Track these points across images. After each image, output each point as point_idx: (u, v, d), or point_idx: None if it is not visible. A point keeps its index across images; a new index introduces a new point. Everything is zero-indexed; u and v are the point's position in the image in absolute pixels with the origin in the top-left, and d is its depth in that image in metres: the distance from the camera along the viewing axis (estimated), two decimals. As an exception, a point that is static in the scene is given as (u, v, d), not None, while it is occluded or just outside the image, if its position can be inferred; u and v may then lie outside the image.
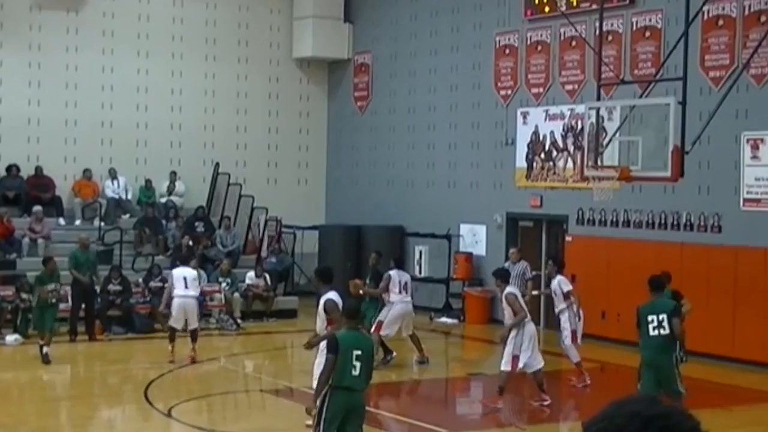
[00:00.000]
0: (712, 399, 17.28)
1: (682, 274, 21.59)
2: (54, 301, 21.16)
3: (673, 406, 2.72)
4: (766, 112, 21.02)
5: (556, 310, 19.54)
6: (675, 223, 22.75)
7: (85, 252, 24.26)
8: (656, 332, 14.53)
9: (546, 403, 17.19)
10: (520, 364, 16.92)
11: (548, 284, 20.86)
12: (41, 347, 20.36)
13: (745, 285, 18.98)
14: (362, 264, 29.50)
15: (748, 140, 21.21)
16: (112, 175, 29.46)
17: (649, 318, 14.61)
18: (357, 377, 11.57)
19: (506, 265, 24.29)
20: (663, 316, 14.52)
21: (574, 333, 19.06)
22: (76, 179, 29.35)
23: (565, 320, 19.17)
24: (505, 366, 16.88)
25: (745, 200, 21.31)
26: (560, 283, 19.27)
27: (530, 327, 17.11)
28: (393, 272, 20.98)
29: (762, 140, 20.99)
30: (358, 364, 11.55)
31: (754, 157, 21.12)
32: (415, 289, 27.98)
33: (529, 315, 17.25)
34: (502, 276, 17.82)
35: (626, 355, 17.98)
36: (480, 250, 27.45)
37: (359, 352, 11.60)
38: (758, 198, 21.09)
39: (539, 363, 17.15)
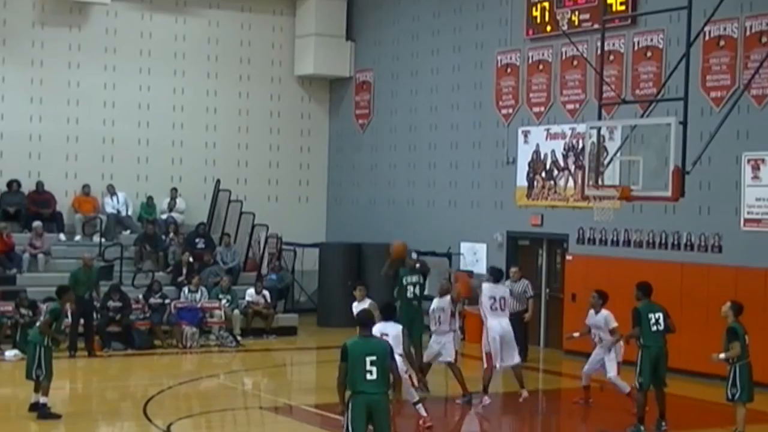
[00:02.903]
0: (715, 420, 17.23)
1: (682, 294, 21.62)
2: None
3: None
4: (767, 133, 21.02)
5: (597, 344, 18.59)
6: (675, 243, 22.75)
7: (87, 272, 24.18)
8: (655, 328, 16.59)
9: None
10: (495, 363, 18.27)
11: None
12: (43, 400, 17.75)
13: (746, 306, 18.88)
14: (363, 282, 29.44)
15: (748, 161, 21.22)
16: (111, 191, 29.47)
17: (650, 316, 16.63)
18: (374, 381, 11.91)
19: (506, 283, 24.32)
20: (659, 315, 16.70)
21: (618, 365, 18.40)
22: (77, 195, 29.37)
23: (611, 355, 18.36)
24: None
25: (746, 221, 21.31)
26: (607, 319, 18.39)
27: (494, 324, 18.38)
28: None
29: (763, 161, 21.00)
30: (373, 369, 11.91)
31: (755, 177, 21.13)
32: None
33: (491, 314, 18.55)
34: (494, 274, 18.74)
35: (626, 374, 17.92)
36: (480, 268, 27.38)
37: (374, 357, 11.93)
38: (759, 218, 21.09)
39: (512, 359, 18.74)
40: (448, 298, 18.99)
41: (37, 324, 18.05)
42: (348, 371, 11.97)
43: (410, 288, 20.28)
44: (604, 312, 18.43)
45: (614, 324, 18.26)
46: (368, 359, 11.91)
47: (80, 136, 29.66)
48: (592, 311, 18.65)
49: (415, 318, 19.88)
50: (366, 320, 12.63)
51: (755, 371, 16.41)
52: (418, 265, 20.63)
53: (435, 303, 18.93)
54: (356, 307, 18.58)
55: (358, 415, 11.95)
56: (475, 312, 25.72)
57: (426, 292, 20.87)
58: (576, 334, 19.38)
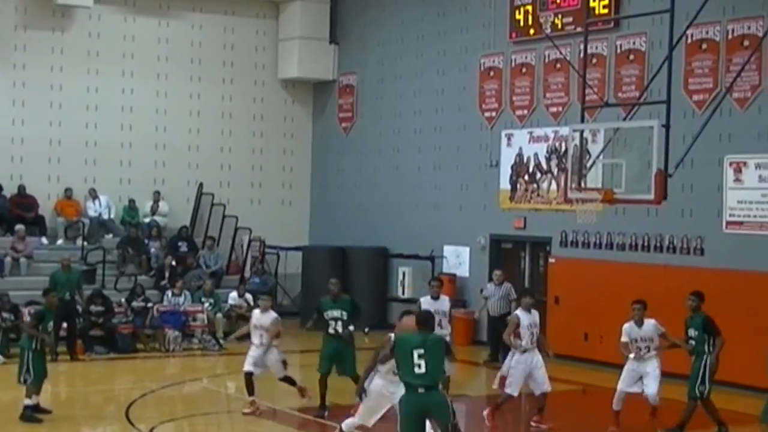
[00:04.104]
0: (699, 421, 17.24)
1: (665, 297, 21.61)
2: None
3: None
4: (749, 136, 21.09)
5: (642, 355, 16.93)
6: (658, 245, 22.80)
7: (66, 272, 24.20)
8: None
9: None
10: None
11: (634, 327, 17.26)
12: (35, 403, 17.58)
13: (728, 308, 18.95)
14: (345, 285, 29.45)
15: (731, 163, 21.27)
16: (93, 194, 29.41)
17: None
18: (423, 374, 11.79)
19: (488, 286, 24.36)
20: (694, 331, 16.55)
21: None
22: (59, 198, 29.31)
23: (654, 366, 16.86)
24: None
25: (728, 223, 21.36)
26: (656, 326, 16.96)
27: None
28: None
29: (745, 164, 21.06)
30: (422, 362, 11.81)
31: (737, 180, 21.18)
32: (398, 311, 27.98)
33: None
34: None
35: (609, 377, 17.93)
36: (463, 271, 27.46)
37: (421, 350, 11.84)
38: (741, 221, 21.15)
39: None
40: (446, 299, 18.63)
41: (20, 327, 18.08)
42: (398, 365, 11.95)
43: (332, 324, 18.02)
44: (650, 321, 16.97)
45: (663, 329, 17.01)
46: (416, 352, 11.85)
47: (63, 140, 29.59)
48: (631, 323, 17.03)
49: (343, 353, 18.00)
50: (425, 320, 12.49)
51: (737, 373, 16.54)
52: (346, 297, 18.51)
53: (429, 305, 18.03)
54: (258, 318, 18.25)
55: (411, 412, 11.90)
56: (461, 315, 25.80)
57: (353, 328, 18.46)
58: (632, 355, 17.07)
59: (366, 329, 28.22)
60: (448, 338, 17.58)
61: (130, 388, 20.64)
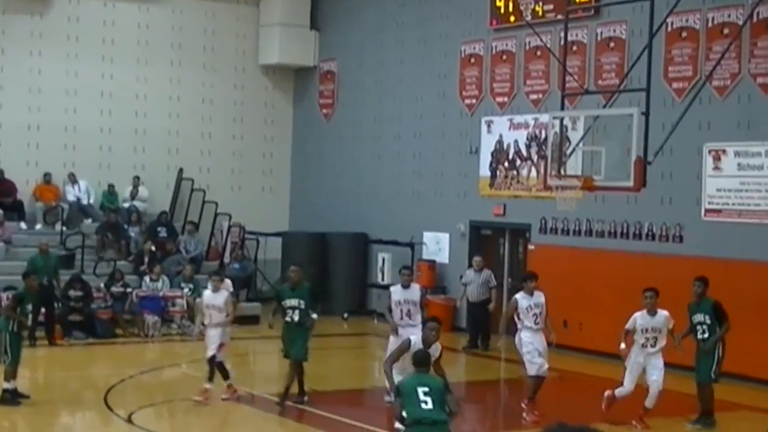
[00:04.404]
0: (679, 409, 17.33)
1: (643, 284, 21.68)
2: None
3: (585, 426, 2.80)
4: (728, 124, 21.17)
5: (647, 347, 16.50)
6: (637, 233, 22.87)
7: (44, 257, 24.16)
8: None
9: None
10: None
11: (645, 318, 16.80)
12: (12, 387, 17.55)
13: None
14: (325, 271, 29.52)
15: (710, 151, 21.35)
16: (72, 179, 29.32)
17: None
18: (431, 410, 11.63)
19: (468, 272, 24.41)
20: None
21: None
22: (38, 183, 29.22)
23: (660, 360, 16.53)
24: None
25: (707, 211, 21.44)
26: (668, 319, 16.56)
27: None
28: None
29: (724, 151, 21.13)
30: (428, 399, 11.67)
31: (716, 168, 21.26)
32: (378, 297, 28.10)
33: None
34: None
35: (588, 364, 18.02)
36: (443, 258, 27.49)
37: (426, 389, 11.72)
38: (719, 209, 21.23)
39: None
40: (416, 288, 18.28)
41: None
42: (404, 406, 11.76)
43: (289, 312, 17.70)
44: (663, 312, 16.52)
45: (673, 323, 16.57)
46: (421, 390, 11.71)
47: (42, 125, 29.48)
48: (643, 313, 16.56)
49: (296, 338, 17.68)
50: (422, 360, 12.47)
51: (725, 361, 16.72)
52: (306, 285, 18.09)
53: (400, 294, 18.01)
54: (210, 298, 18.18)
55: None
56: (440, 302, 25.86)
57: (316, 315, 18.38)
58: (623, 346, 16.71)
59: (345, 315, 28.33)
60: (422, 327, 17.53)
61: (108, 373, 20.61)
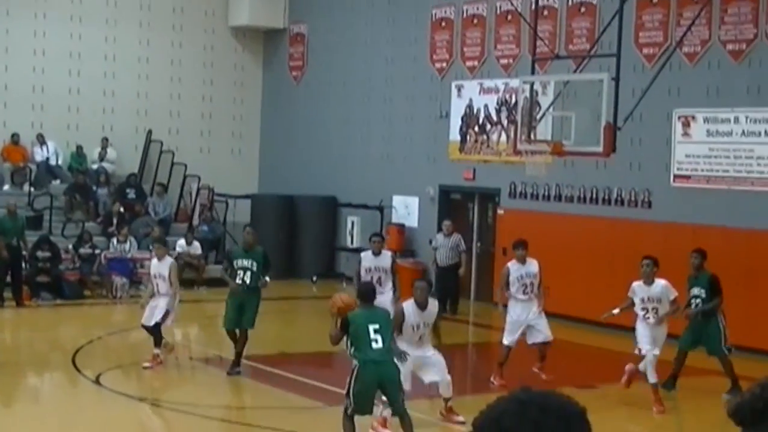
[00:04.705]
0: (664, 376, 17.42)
1: (612, 249, 21.82)
2: None
3: (550, 391, 2.81)
4: (698, 91, 21.22)
5: (648, 319, 15.73)
6: (606, 198, 22.94)
7: (12, 218, 24.04)
8: None
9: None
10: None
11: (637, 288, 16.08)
12: None
13: (674, 260, 19.11)
14: (294, 234, 29.51)
15: (679, 117, 21.41)
16: (41, 140, 29.15)
17: None
18: (380, 349, 12.03)
19: (438, 237, 24.44)
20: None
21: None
22: (5, 144, 29.03)
23: (663, 332, 15.81)
24: None
25: (676, 177, 21.53)
26: (667, 289, 15.78)
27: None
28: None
29: (693, 118, 21.20)
30: (378, 337, 12.04)
31: (685, 134, 21.33)
32: (346, 260, 28.12)
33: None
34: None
35: (556, 328, 18.01)
36: (412, 221, 27.52)
37: (377, 326, 12.09)
38: (688, 175, 21.31)
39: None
40: (387, 255, 18.28)
41: None
42: (352, 342, 12.08)
43: (240, 273, 17.35)
44: (661, 281, 15.80)
45: (675, 293, 15.85)
46: (371, 327, 12.05)
47: (9, 84, 29.25)
48: (640, 282, 15.90)
49: (247, 305, 17.36)
50: (367, 292, 12.80)
51: (682, 325, 16.72)
52: (260, 248, 17.77)
53: (370, 261, 18.04)
54: (155, 266, 18.02)
55: (368, 384, 12.07)
56: (408, 266, 25.89)
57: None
58: (616, 311, 16.15)
59: (314, 278, 28.35)
60: (391, 294, 17.64)
61: (76, 335, 20.57)
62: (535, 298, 16.86)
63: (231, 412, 16.09)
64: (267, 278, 17.51)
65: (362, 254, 18.67)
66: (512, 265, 17.03)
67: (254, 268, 17.29)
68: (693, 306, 16.63)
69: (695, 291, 16.65)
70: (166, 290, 17.76)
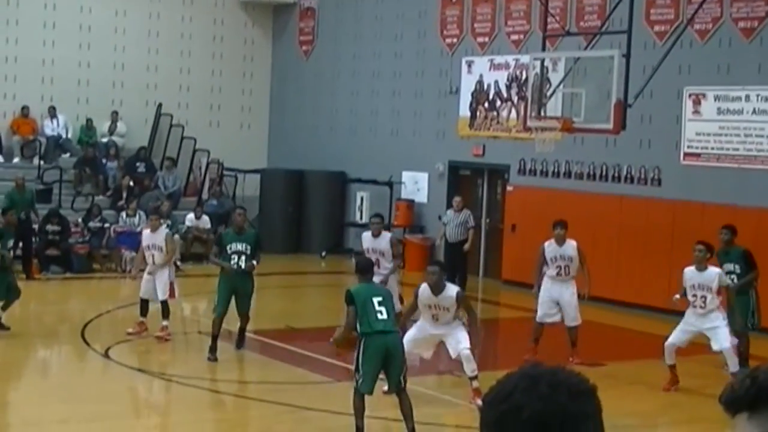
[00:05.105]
0: (652, 351, 17.43)
1: (621, 227, 21.82)
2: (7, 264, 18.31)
3: (560, 367, 2.82)
4: (709, 68, 21.16)
5: (696, 307, 15.05)
6: (615, 175, 22.91)
7: (20, 192, 24.07)
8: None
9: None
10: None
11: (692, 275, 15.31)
12: None
13: (683, 238, 19.12)
14: (303, 209, 29.55)
15: (690, 95, 21.36)
16: (51, 113, 29.15)
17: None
18: (386, 320, 12.15)
19: (448, 213, 24.41)
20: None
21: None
22: (15, 117, 29.05)
23: (720, 319, 14.95)
24: None
25: (686, 154, 21.49)
26: (720, 276, 15.10)
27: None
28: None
29: (704, 95, 21.14)
30: (383, 309, 12.15)
31: (696, 112, 21.29)
32: (355, 235, 28.13)
33: None
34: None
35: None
36: (421, 197, 27.51)
37: (380, 298, 12.25)
38: (698, 153, 21.28)
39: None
40: (386, 238, 18.06)
41: None
42: (358, 315, 12.12)
43: (234, 258, 16.82)
44: (714, 268, 15.21)
45: (728, 281, 15.42)
46: (375, 300, 12.16)
47: (19, 57, 29.21)
48: (692, 268, 15.17)
49: (238, 287, 16.97)
50: (365, 267, 12.94)
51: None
52: (253, 229, 17.45)
53: (369, 243, 17.88)
54: (149, 237, 18.01)
55: (375, 355, 12.10)
56: (417, 241, 25.92)
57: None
58: (677, 297, 15.57)
59: (323, 253, 28.38)
60: (390, 274, 17.59)
61: (85, 308, 20.63)
62: (572, 280, 16.75)
63: (240, 387, 16.13)
64: (254, 262, 17.01)
65: (363, 234, 18.62)
66: (548, 245, 16.93)
67: (248, 252, 16.89)
68: (730, 280, 15.94)
69: (729, 267, 16.19)
70: (161, 260, 17.74)
